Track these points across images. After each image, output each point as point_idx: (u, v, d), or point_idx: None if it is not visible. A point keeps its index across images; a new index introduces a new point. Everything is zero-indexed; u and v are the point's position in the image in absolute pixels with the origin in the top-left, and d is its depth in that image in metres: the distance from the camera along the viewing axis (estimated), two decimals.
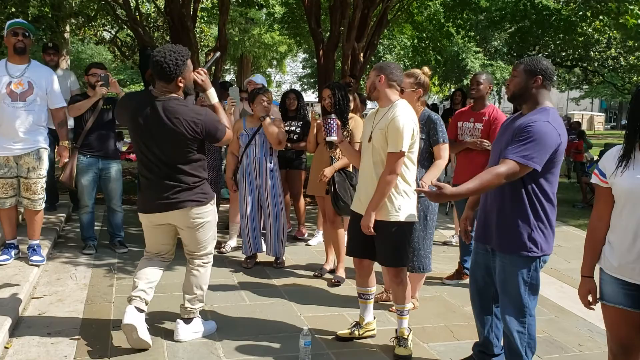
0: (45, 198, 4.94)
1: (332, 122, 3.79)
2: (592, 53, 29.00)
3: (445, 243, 6.71)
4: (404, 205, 3.55)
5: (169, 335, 3.75)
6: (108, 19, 15.83)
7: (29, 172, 4.74)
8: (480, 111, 5.08)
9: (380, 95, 3.62)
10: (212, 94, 3.78)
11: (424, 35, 14.85)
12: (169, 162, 3.46)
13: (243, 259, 5.55)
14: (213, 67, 3.80)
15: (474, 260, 3.35)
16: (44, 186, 4.88)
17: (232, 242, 6.12)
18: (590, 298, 2.63)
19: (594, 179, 2.61)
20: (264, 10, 18.50)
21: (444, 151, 4.29)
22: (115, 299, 4.41)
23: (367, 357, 3.64)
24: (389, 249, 3.60)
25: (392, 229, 3.55)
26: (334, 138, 3.82)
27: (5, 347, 3.43)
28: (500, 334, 3.34)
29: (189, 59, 3.47)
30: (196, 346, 3.66)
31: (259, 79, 6.84)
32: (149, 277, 3.65)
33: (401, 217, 3.54)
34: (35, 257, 4.84)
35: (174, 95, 3.46)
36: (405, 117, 3.49)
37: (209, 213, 3.66)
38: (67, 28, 14.98)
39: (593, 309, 2.67)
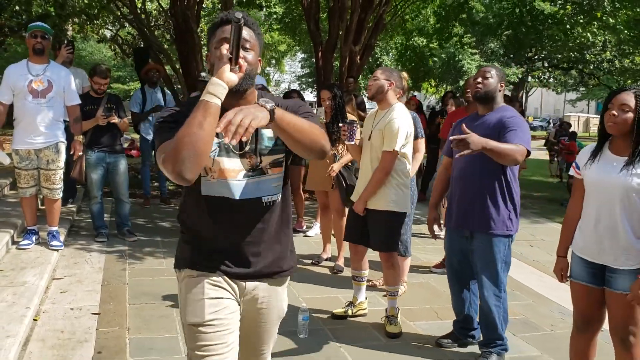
0: (62, 187, 5.33)
1: (355, 127, 3.99)
2: (588, 56, 29.41)
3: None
4: (398, 198, 3.96)
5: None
6: (110, 18, 16.18)
7: (48, 164, 5.13)
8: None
9: (384, 99, 4.03)
10: None
11: (413, 42, 15.20)
12: None
13: None
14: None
15: (449, 247, 3.79)
16: (62, 177, 5.27)
17: None
18: (562, 274, 3.04)
19: (572, 172, 3.02)
20: (264, 10, 18.88)
21: (421, 145, 4.79)
22: (129, 281, 4.82)
23: (360, 332, 4.04)
24: (382, 236, 4.01)
25: (386, 218, 3.96)
26: (352, 142, 4.00)
27: (34, 320, 3.81)
28: (476, 310, 3.76)
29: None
30: None
31: (258, 79, 7.22)
32: None
33: (395, 207, 3.95)
34: (54, 242, 5.22)
35: None
36: (402, 119, 3.91)
37: None
38: (70, 26, 15.34)
39: (564, 283, 3.08)
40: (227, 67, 1.77)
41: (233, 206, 1.96)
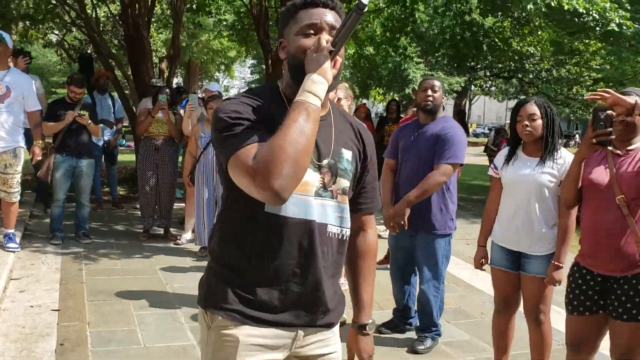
0: (20, 191, 5.45)
1: None
2: (527, 65, 30.64)
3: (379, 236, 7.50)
4: None
5: (137, 306, 4.38)
6: (57, 22, 16.04)
7: (6, 168, 5.26)
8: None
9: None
10: None
11: (366, 51, 15.65)
12: None
13: (197, 250, 6.16)
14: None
15: (394, 245, 4.18)
16: (19, 181, 5.39)
17: (187, 235, 6.71)
18: (482, 262, 3.44)
19: (490, 172, 3.42)
20: (214, 17, 19.03)
21: None
22: (86, 280, 4.99)
23: None
24: None
25: None
26: None
27: None
28: (414, 301, 4.15)
29: None
30: (162, 315, 4.29)
31: (214, 87, 7.48)
32: None
33: None
34: (11, 244, 5.35)
35: None
36: None
37: None
38: (15, 30, 15.14)
39: (483, 270, 3.47)
40: (329, 62, 1.50)
41: (298, 229, 1.59)
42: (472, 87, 34.44)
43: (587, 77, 25.11)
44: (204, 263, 5.82)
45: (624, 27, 8.71)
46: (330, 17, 1.60)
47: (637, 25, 15.64)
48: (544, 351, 3.23)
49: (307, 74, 1.51)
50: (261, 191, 1.42)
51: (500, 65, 29.92)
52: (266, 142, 1.44)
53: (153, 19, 17.63)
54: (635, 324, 2.58)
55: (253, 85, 41.54)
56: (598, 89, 2.67)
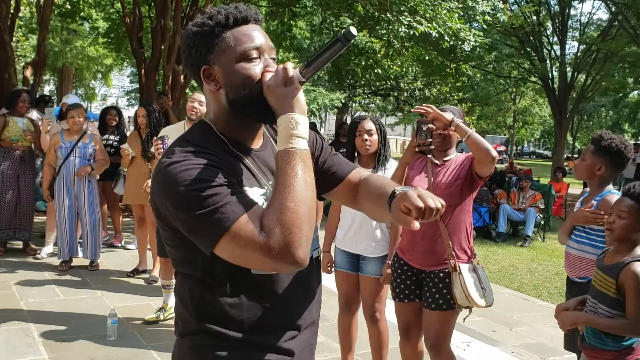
0: None
1: (167, 142, 4.09)
2: (402, 84, 32.27)
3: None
4: None
5: None
6: None
7: None
8: None
9: None
10: None
11: None
12: None
13: (58, 263, 5.95)
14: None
15: None
16: None
17: (48, 248, 6.46)
18: (328, 267, 3.67)
19: None
20: (88, 23, 18.38)
21: None
22: None
23: (170, 334, 4.38)
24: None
25: None
26: None
27: None
28: None
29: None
30: (12, 331, 4.14)
31: (71, 99, 7.29)
32: None
33: None
34: None
35: None
36: None
37: None
38: None
39: (331, 272, 3.68)
40: (303, 95, 1.33)
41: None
42: (352, 103, 35.70)
43: (454, 96, 26.94)
44: (64, 277, 5.68)
45: (477, 50, 9.52)
46: (263, 34, 1.42)
47: (495, 52, 17.08)
48: (381, 347, 3.52)
49: (283, 113, 1.31)
50: (280, 265, 1.24)
51: (377, 83, 31.27)
52: (270, 208, 1.25)
53: (21, 23, 16.80)
54: (442, 312, 2.96)
55: (132, 95, 40.24)
56: (423, 104, 3.02)
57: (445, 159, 3.07)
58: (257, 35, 1.40)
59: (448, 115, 2.89)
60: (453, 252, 2.93)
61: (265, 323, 1.42)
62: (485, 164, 2.86)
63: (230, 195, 1.26)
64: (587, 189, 3.20)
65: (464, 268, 2.93)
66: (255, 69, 1.38)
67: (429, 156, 3.02)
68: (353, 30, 1.29)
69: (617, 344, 2.43)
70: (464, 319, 3.18)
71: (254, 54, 1.38)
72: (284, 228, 1.21)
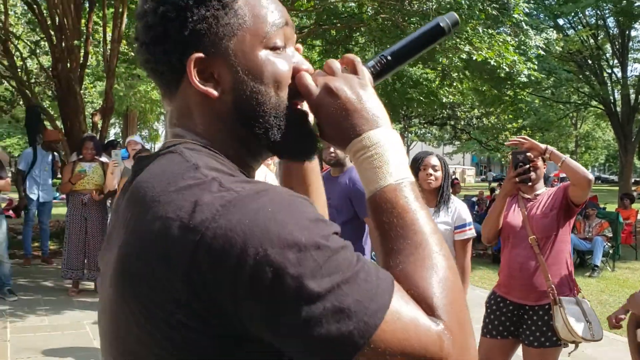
0: None
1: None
2: (459, 113, 32.01)
3: None
4: None
5: None
6: None
7: None
8: None
9: None
10: None
11: None
12: None
13: None
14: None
15: None
16: None
17: None
18: None
19: None
20: None
21: None
22: (10, 338, 4.93)
23: None
24: None
25: None
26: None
27: None
28: None
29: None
30: None
31: (137, 138, 7.63)
32: None
33: None
34: None
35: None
36: None
37: None
38: None
39: None
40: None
41: None
42: (408, 134, 35.66)
43: (513, 125, 26.49)
44: None
45: (532, 78, 9.45)
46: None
47: (553, 77, 16.77)
48: None
49: (363, 132, 0.80)
50: None
51: (434, 113, 31.11)
52: (429, 279, 0.74)
53: (88, 71, 17.68)
54: (543, 349, 2.96)
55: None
56: (517, 136, 3.14)
57: (537, 192, 3.15)
58: (279, 7, 0.85)
59: (542, 145, 3.00)
60: (553, 285, 2.94)
61: None
62: (582, 187, 2.91)
63: (362, 264, 0.71)
64: None
65: (566, 301, 2.93)
66: (284, 64, 0.83)
67: (520, 192, 3.12)
68: (454, 15, 0.93)
69: None
70: (569, 353, 3.20)
71: (280, 41, 0.84)
72: (456, 316, 0.73)
